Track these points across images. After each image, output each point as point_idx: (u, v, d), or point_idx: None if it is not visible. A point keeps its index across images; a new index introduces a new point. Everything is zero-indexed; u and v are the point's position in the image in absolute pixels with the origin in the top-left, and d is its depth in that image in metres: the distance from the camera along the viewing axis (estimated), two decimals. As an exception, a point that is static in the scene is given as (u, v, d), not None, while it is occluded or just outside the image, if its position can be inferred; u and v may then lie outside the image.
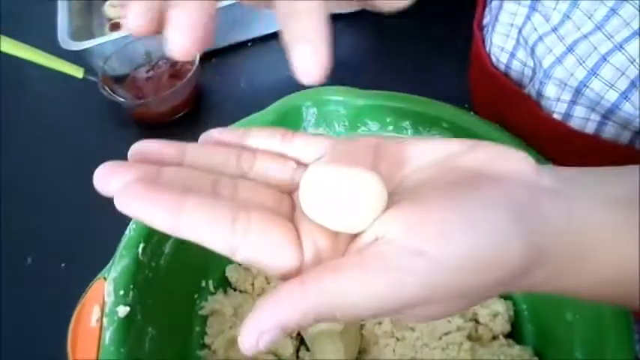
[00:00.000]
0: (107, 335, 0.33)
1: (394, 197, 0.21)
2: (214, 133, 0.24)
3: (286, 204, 0.22)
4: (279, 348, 0.42)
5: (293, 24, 0.19)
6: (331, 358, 0.39)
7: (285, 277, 0.20)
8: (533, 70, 0.39)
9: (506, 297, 0.42)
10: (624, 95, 0.33)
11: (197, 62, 0.60)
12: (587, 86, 0.34)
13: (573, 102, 0.36)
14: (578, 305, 0.35)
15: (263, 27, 0.67)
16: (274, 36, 0.68)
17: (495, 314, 0.42)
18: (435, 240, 0.19)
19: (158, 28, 0.21)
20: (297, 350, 0.43)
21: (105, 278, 0.36)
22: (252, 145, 0.24)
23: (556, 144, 0.38)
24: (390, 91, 0.44)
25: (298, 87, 0.46)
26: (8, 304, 0.49)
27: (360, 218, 0.20)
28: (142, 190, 0.19)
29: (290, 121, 0.44)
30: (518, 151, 0.22)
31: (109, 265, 0.37)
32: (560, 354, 0.37)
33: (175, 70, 0.62)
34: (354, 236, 0.21)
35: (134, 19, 0.21)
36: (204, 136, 0.25)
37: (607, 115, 0.35)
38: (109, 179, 0.20)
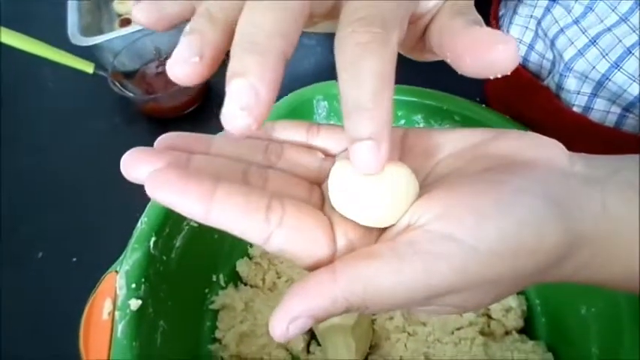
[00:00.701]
0: (119, 328, 0.33)
1: (424, 187, 0.21)
2: None
3: (316, 195, 0.22)
4: (290, 343, 0.42)
5: (359, 116, 0.18)
6: (342, 352, 0.39)
7: (315, 268, 0.19)
8: (552, 63, 0.38)
9: (519, 292, 0.42)
10: None
11: (207, 57, 0.60)
12: (610, 79, 0.34)
13: (594, 95, 0.36)
14: (593, 299, 0.35)
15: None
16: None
17: (508, 309, 0.41)
18: (467, 224, 0.18)
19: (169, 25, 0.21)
20: (308, 345, 0.43)
21: (117, 271, 0.36)
22: (278, 137, 0.24)
23: (574, 137, 0.38)
24: (402, 84, 0.43)
25: (309, 81, 0.46)
26: (20, 299, 0.49)
27: (391, 213, 0.20)
28: (173, 176, 0.18)
29: (301, 115, 0.44)
30: (549, 138, 0.22)
31: (121, 258, 0.37)
32: (574, 349, 0.37)
33: (185, 65, 0.62)
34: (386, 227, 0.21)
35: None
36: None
37: (628, 107, 0.34)
38: (137, 165, 0.20)
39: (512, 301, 0.41)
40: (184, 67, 0.19)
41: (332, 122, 0.45)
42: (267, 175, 0.21)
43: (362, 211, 0.20)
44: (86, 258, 0.51)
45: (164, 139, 0.22)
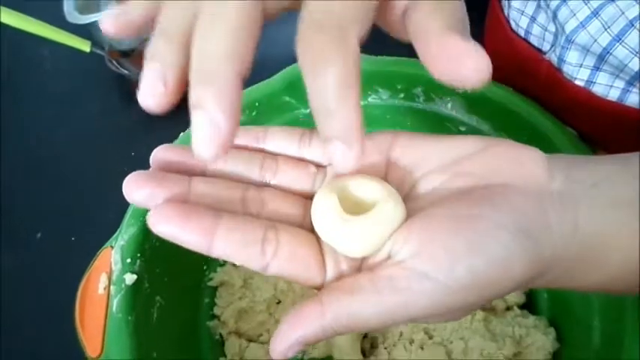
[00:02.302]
0: (115, 303, 0.33)
1: (408, 202, 0.22)
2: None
3: (309, 212, 0.23)
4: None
5: (325, 119, 0.18)
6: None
7: (311, 287, 0.22)
8: (555, 35, 0.38)
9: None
10: None
11: (205, 35, 0.59)
12: (611, 53, 0.33)
13: (597, 68, 0.35)
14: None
15: (271, -1, 0.66)
16: (283, 8, 0.67)
17: (509, 285, 0.41)
18: (440, 263, 0.19)
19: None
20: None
21: (112, 247, 0.35)
22: (270, 149, 0.24)
23: (576, 111, 0.37)
24: (397, 56, 0.42)
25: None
26: (19, 279, 0.49)
27: (372, 244, 0.21)
28: (176, 213, 0.20)
29: (298, 89, 0.43)
30: (531, 151, 0.22)
31: (117, 233, 0.36)
32: (576, 323, 0.36)
33: (183, 43, 0.61)
34: None
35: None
36: None
37: (631, 81, 0.34)
38: (138, 190, 0.21)
39: (514, 277, 0.41)
40: (154, 99, 0.19)
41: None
42: (264, 197, 0.23)
43: (343, 243, 0.21)
44: (85, 237, 0.51)
45: (159, 155, 0.23)
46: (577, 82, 0.37)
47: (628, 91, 0.35)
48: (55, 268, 0.49)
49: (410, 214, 0.22)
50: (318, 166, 0.24)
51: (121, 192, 0.39)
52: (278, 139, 0.24)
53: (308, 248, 0.21)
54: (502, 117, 0.39)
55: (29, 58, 0.68)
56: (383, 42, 0.62)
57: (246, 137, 0.24)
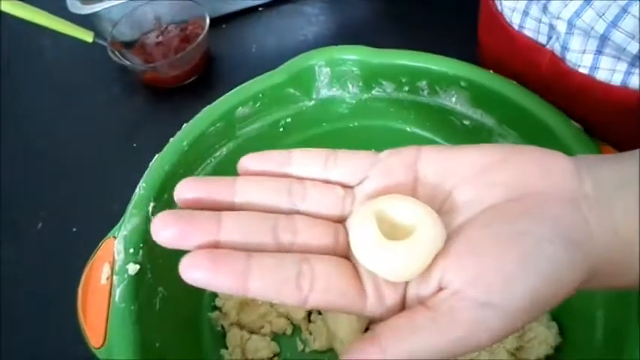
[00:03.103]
0: (117, 293, 0.33)
1: (442, 215, 0.22)
2: (255, 163, 0.24)
3: (342, 237, 0.23)
4: (291, 312, 0.42)
5: None
6: (343, 321, 0.39)
7: (353, 314, 0.22)
8: (550, 26, 0.38)
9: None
10: None
11: (207, 27, 0.59)
12: (609, 38, 0.33)
13: (599, 52, 0.35)
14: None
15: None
16: (285, 1, 0.67)
17: (512, 279, 0.41)
18: (497, 289, 0.19)
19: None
20: (309, 314, 0.42)
21: (115, 237, 0.35)
22: (296, 173, 0.24)
23: (580, 100, 0.37)
24: (399, 48, 0.42)
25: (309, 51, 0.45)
26: (21, 269, 0.49)
27: (413, 268, 0.21)
28: (208, 261, 0.20)
29: (302, 81, 0.43)
30: (557, 156, 0.22)
31: (119, 223, 0.36)
32: (578, 316, 0.36)
33: (185, 35, 0.61)
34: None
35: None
36: (243, 162, 0.24)
37: (633, 63, 0.34)
38: (164, 231, 0.20)
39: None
40: None
41: (333, 90, 0.44)
42: (295, 226, 0.22)
43: (383, 268, 0.21)
44: (86, 228, 0.50)
45: (185, 190, 0.22)
46: (581, 70, 0.37)
47: (630, 73, 0.35)
48: (56, 259, 0.49)
49: (447, 230, 0.21)
50: (345, 186, 0.24)
51: (123, 182, 0.39)
52: (303, 163, 0.24)
53: (344, 276, 0.21)
54: (506, 110, 0.39)
55: (30, 47, 0.68)
56: (386, 34, 0.63)
57: (270, 163, 0.24)
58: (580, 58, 0.36)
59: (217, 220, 0.21)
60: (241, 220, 0.21)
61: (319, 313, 0.42)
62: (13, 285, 0.48)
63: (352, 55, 0.42)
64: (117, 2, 0.60)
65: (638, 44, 0.32)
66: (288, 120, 0.44)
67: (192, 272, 0.19)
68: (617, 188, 0.21)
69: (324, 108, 0.45)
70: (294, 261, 0.21)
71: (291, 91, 0.43)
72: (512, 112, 0.39)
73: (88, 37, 0.58)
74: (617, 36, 0.33)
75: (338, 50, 0.43)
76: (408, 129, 0.45)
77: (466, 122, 0.42)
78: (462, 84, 0.40)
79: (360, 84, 0.44)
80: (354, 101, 0.45)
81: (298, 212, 0.23)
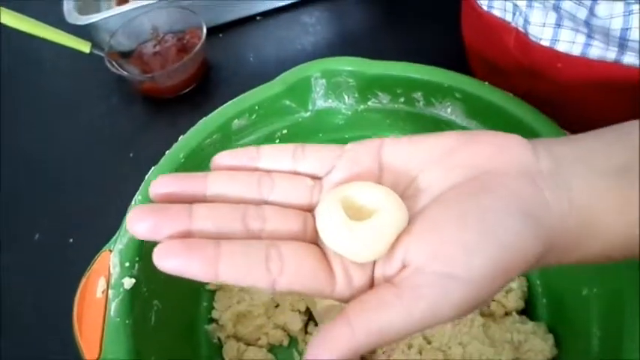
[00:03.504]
0: (113, 307, 0.33)
1: (406, 199, 0.23)
2: (226, 159, 0.25)
3: (310, 224, 0.23)
4: (287, 323, 0.42)
5: None
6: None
7: (323, 297, 0.23)
8: (514, 4, 0.40)
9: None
10: (591, 12, 0.34)
11: (204, 37, 0.59)
12: (561, 7, 0.35)
13: (558, 25, 0.37)
14: (594, 280, 0.34)
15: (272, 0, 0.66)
16: (283, 9, 0.67)
17: (509, 290, 0.41)
18: (458, 260, 0.20)
19: None
20: (306, 325, 0.42)
21: (110, 250, 0.35)
22: (265, 166, 0.25)
23: (545, 73, 0.39)
24: (391, 59, 0.42)
25: (307, 60, 0.45)
26: (17, 280, 0.49)
27: (377, 248, 0.21)
28: (180, 248, 0.20)
29: (298, 93, 0.43)
30: (514, 137, 0.23)
31: (115, 237, 0.36)
32: (575, 330, 0.36)
33: (182, 44, 0.61)
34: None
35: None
36: (216, 159, 0.25)
37: (590, 34, 0.36)
38: (140, 222, 0.21)
39: (513, 283, 0.41)
40: None
41: (329, 101, 0.44)
42: (264, 214, 0.23)
43: (349, 249, 0.22)
44: (83, 239, 0.50)
45: (159, 186, 0.23)
46: (542, 43, 0.39)
47: (589, 45, 0.37)
48: (53, 270, 0.49)
49: (411, 212, 0.22)
50: (314, 177, 0.25)
51: (120, 194, 0.39)
52: (271, 156, 0.25)
53: (313, 260, 0.22)
54: (501, 121, 0.39)
55: (29, 58, 0.68)
56: (384, 45, 0.63)
57: (240, 158, 0.25)
58: (541, 31, 0.38)
59: (189, 212, 0.22)
60: (212, 210, 0.22)
61: (316, 324, 0.41)
62: (9, 295, 0.48)
63: (348, 67, 0.42)
64: (114, 12, 0.60)
65: (586, 10, 0.34)
66: (285, 131, 0.44)
67: (166, 260, 0.20)
68: (572, 163, 0.22)
69: (320, 119, 0.45)
70: (262, 246, 0.21)
71: (287, 102, 0.43)
72: (506, 122, 0.39)
73: (85, 47, 0.58)
74: (566, 4, 0.35)
75: (334, 62, 0.43)
76: (405, 140, 0.45)
77: (462, 133, 0.42)
78: (457, 95, 0.40)
79: (356, 95, 0.44)
80: (349, 112, 0.45)
81: (267, 203, 0.24)
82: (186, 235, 0.21)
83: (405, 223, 0.22)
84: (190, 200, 0.23)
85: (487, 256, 0.20)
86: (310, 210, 0.24)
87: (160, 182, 0.23)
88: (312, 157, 0.25)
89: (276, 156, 0.25)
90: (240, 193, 0.24)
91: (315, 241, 0.23)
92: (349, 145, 0.25)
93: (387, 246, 0.21)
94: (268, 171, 0.25)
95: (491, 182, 0.22)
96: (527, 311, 0.41)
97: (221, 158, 0.25)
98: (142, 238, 0.21)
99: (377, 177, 0.24)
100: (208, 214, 0.22)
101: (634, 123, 0.23)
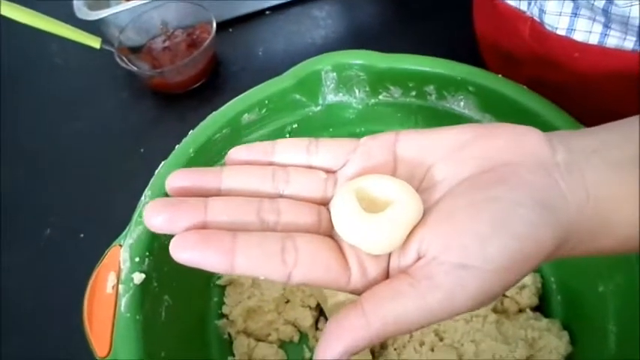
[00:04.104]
0: (123, 302, 0.33)
1: (422, 193, 0.23)
2: (242, 153, 0.25)
3: (325, 217, 0.23)
4: (298, 319, 0.41)
5: None
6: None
7: (338, 290, 0.22)
8: None
9: (534, 270, 0.41)
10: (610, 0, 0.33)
11: (214, 31, 0.58)
12: None
13: (575, 14, 0.37)
14: (611, 276, 0.34)
15: (281, -5, 0.66)
16: (292, 4, 0.67)
17: (522, 287, 0.40)
18: (472, 250, 0.20)
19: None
20: (317, 321, 0.42)
21: (121, 245, 0.35)
22: (280, 160, 0.25)
23: (560, 61, 0.39)
24: (406, 52, 0.42)
25: (317, 54, 0.45)
26: (29, 275, 0.49)
27: (392, 240, 0.21)
28: (196, 240, 0.20)
29: (308, 87, 0.43)
30: (529, 129, 0.23)
31: (125, 232, 0.36)
32: (591, 326, 0.35)
33: (192, 39, 0.61)
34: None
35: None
36: (231, 154, 0.25)
37: (607, 24, 0.35)
38: (157, 216, 0.21)
39: (527, 279, 0.40)
40: None
41: (340, 95, 0.43)
42: (278, 207, 0.23)
43: (364, 240, 0.21)
44: (94, 234, 0.50)
45: (176, 179, 0.23)
46: (559, 32, 0.38)
47: (605, 34, 0.36)
48: (64, 265, 0.49)
49: (426, 205, 0.22)
50: (328, 171, 0.25)
51: (130, 189, 0.39)
52: (286, 151, 0.25)
53: (328, 252, 0.22)
54: (516, 115, 0.38)
55: (38, 54, 0.68)
56: (395, 38, 0.62)
57: (255, 152, 0.25)
58: (557, 20, 0.38)
59: (204, 205, 0.22)
60: (227, 203, 0.22)
61: (326, 320, 0.41)
62: (21, 290, 0.49)
63: (359, 60, 0.42)
64: (124, 8, 0.60)
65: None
66: (295, 126, 0.44)
67: (183, 252, 0.20)
68: (587, 155, 0.22)
69: (330, 113, 0.44)
70: (277, 238, 0.21)
71: (297, 96, 0.43)
72: (521, 116, 0.38)
73: (95, 43, 0.58)
74: None
75: (344, 55, 0.42)
76: (416, 134, 0.45)
77: (475, 127, 0.41)
78: (470, 89, 0.40)
79: (367, 89, 0.43)
80: (360, 106, 0.44)
81: (282, 196, 0.24)
82: (202, 228, 0.21)
83: (419, 214, 0.22)
84: (206, 194, 0.23)
85: (501, 246, 0.20)
86: (325, 203, 0.24)
87: (176, 176, 0.23)
88: (327, 150, 0.25)
89: (290, 150, 0.25)
90: (256, 187, 0.24)
91: (330, 233, 0.23)
92: (364, 139, 0.25)
93: (402, 238, 0.21)
94: (283, 165, 0.25)
95: (506, 174, 0.22)
96: (541, 308, 0.40)
97: (236, 153, 0.25)
98: (158, 231, 0.21)
99: (392, 170, 0.24)
100: (224, 208, 0.22)
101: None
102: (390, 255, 0.22)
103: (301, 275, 0.21)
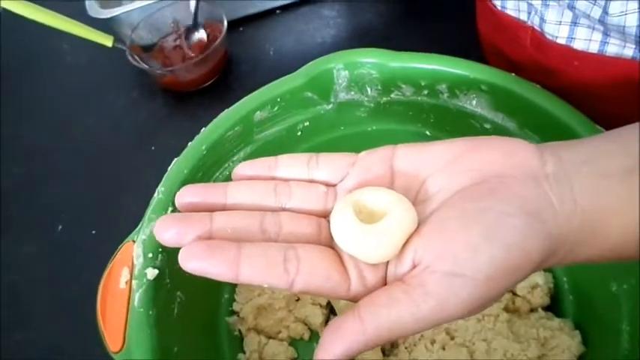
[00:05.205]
0: (136, 297, 0.33)
1: (417, 205, 0.24)
2: (246, 169, 0.26)
3: (325, 229, 0.25)
4: (308, 317, 0.41)
5: None
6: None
7: (337, 298, 0.23)
8: (528, 2, 0.40)
9: (546, 269, 0.41)
10: (605, 10, 0.34)
11: (225, 30, 0.59)
12: (575, 7, 0.35)
13: (574, 23, 0.37)
14: (624, 275, 0.34)
15: (292, -6, 0.66)
16: (303, 3, 0.67)
17: (534, 286, 0.40)
18: (464, 259, 0.21)
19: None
20: (327, 319, 0.42)
21: (134, 241, 0.35)
22: (282, 175, 0.26)
23: (561, 69, 0.40)
24: (415, 50, 0.42)
25: (328, 53, 0.45)
26: (42, 270, 0.50)
27: (388, 251, 0.22)
28: (203, 250, 0.22)
29: (320, 85, 0.43)
30: (521, 143, 0.24)
31: (138, 227, 0.36)
32: (603, 327, 0.35)
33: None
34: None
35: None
36: (237, 170, 0.27)
37: (606, 32, 0.35)
38: (165, 231, 0.23)
39: (539, 279, 0.40)
40: None
41: (351, 93, 0.43)
42: (280, 220, 0.24)
43: (362, 251, 0.23)
44: (106, 230, 0.51)
45: (184, 195, 0.25)
46: (559, 41, 0.39)
47: (605, 42, 0.37)
48: (76, 261, 0.50)
49: (421, 216, 0.23)
50: (328, 185, 0.26)
51: (142, 186, 0.39)
52: (288, 166, 0.26)
53: (328, 261, 0.23)
54: (529, 114, 0.38)
55: (50, 52, 0.68)
56: (406, 37, 0.62)
57: (258, 168, 0.26)
58: (557, 29, 0.38)
59: (209, 219, 0.23)
60: (231, 217, 0.24)
61: (337, 318, 0.41)
62: (34, 285, 0.49)
63: (371, 59, 0.42)
64: (136, 6, 0.60)
65: (600, 9, 0.34)
66: (306, 124, 0.44)
67: (190, 262, 0.22)
68: (576, 166, 0.23)
69: (342, 112, 0.44)
70: (280, 248, 0.23)
71: (309, 94, 0.43)
72: (534, 115, 0.38)
73: (107, 41, 0.59)
74: (581, 3, 0.35)
75: (356, 53, 0.42)
76: (428, 132, 0.45)
77: (487, 126, 0.41)
78: (483, 87, 0.40)
79: (379, 87, 0.43)
80: (372, 105, 0.44)
81: (284, 209, 0.25)
82: (209, 239, 0.23)
83: (414, 224, 0.23)
84: (213, 208, 0.24)
85: (492, 255, 0.21)
86: (325, 216, 0.25)
87: (184, 192, 0.25)
88: (326, 165, 0.26)
89: (292, 165, 0.26)
90: (259, 201, 0.25)
91: (330, 244, 0.24)
92: (362, 154, 0.26)
93: (397, 247, 0.22)
94: (285, 180, 0.26)
95: (497, 185, 0.22)
96: (553, 308, 0.40)
97: (241, 169, 0.26)
98: (169, 246, 0.23)
99: (389, 183, 0.25)
100: (227, 221, 0.23)
101: (636, 125, 0.23)
102: (387, 264, 0.23)
103: (303, 283, 0.22)
